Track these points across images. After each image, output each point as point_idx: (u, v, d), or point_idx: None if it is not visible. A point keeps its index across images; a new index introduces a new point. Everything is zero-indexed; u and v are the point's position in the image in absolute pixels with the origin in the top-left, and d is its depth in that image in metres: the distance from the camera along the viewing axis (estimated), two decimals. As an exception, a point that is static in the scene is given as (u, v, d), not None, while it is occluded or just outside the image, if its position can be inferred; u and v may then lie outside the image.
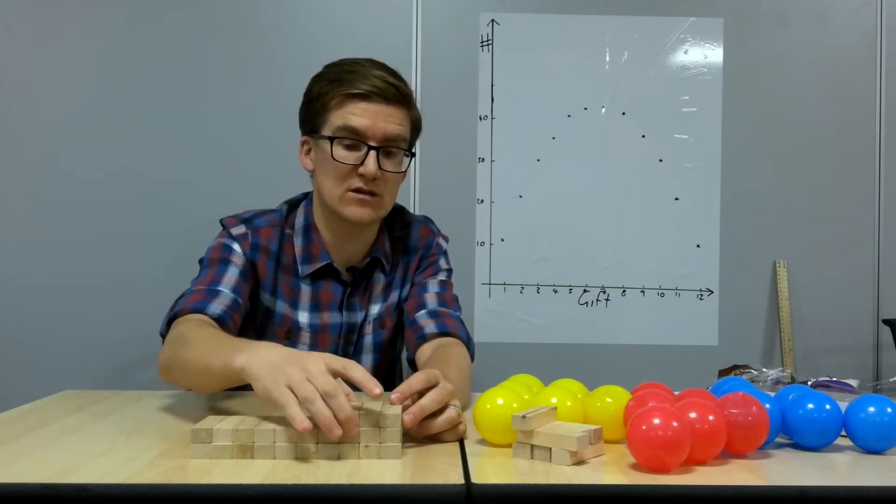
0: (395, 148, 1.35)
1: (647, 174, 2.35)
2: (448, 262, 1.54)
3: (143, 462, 0.86)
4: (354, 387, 0.92)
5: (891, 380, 1.34)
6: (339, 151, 1.33)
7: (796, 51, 2.36)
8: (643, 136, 2.35)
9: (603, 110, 2.35)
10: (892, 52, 2.37)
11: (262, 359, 0.95)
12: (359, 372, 0.92)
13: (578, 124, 2.34)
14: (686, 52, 2.35)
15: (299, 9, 2.28)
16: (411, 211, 2.29)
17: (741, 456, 0.92)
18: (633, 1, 2.35)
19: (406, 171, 1.41)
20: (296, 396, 0.88)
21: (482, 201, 2.33)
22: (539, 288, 2.33)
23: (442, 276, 1.50)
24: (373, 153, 1.32)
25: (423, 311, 1.42)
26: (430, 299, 1.45)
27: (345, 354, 1.43)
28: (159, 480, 0.78)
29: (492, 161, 2.33)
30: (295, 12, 2.28)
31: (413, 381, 0.97)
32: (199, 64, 2.27)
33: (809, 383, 1.30)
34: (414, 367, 1.40)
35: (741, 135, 2.36)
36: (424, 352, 1.37)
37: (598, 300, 2.34)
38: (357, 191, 1.34)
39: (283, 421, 0.89)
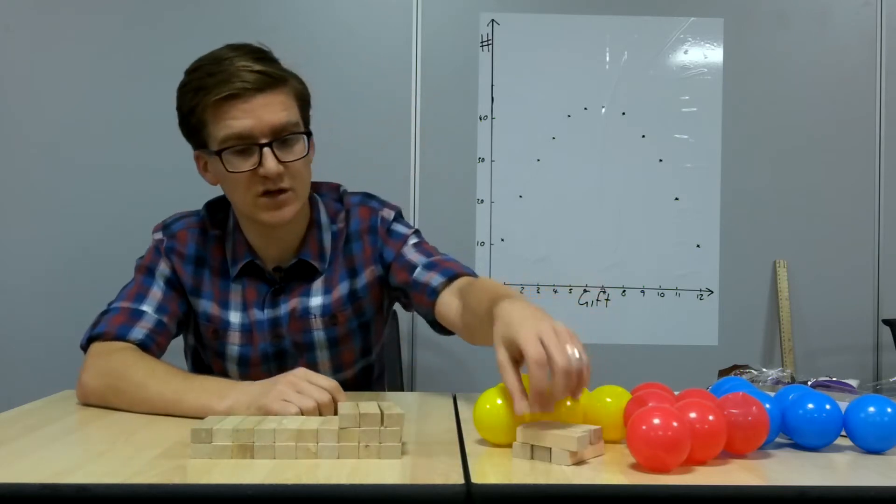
0: (289, 135, 1.26)
1: (647, 174, 2.35)
2: (407, 225, 1.43)
3: (143, 462, 0.86)
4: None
5: (891, 380, 1.34)
6: (233, 161, 1.24)
7: (796, 51, 2.36)
8: (643, 136, 2.35)
9: (603, 110, 2.35)
10: (892, 52, 2.37)
11: (248, 396, 1.07)
12: (323, 382, 1.07)
13: (578, 124, 2.34)
14: (686, 52, 2.35)
15: (299, 9, 2.28)
16: (411, 210, 2.32)
17: (741, 456, 0.92)
18: (633, 1, 2.35)
19: (311, 149, 1.32)
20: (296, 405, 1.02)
21: (482, 201, 2.33)
22: (539, 288, 2.33)
23: (413, 240, 1.40)
24: (267, 150, 1.23)
25: (418, 269, 1.34)
26: (415, 257, 1.37)
27: (277, 351, 1.39)
28: (159, 480, 0.78)
29: (492, 161, 2.33)
30: (295, 12, 2.28)
31: (539, 381, 0.89)
32: (199, 64, 2.27)
33: (809, 383, 1.30)
34: (437, 327, 1.34)
35: (741, 135, 2.36)
36: (448, 305, 1.27)
37: (598, 300, 2.34)
38: (266, 194, 1.26)
39: (284, 421, 0.89)
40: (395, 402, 0.96)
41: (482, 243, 2.33)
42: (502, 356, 0.95)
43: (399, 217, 1.45)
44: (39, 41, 2.25)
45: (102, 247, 2.25)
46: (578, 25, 2.34)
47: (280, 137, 1.25)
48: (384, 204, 1.45)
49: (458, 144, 2.32)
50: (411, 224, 1.47)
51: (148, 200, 2.25)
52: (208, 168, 1.33)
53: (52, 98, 2.25)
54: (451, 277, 1.30)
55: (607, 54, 2.35)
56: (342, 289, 1.40)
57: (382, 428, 0.89)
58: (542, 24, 2.33)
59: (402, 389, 1.70)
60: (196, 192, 2.23)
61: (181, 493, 0.77)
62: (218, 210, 1.43)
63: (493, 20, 2.33)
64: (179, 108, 1.29)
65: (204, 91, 1.23)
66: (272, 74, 1.25)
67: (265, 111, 1.23)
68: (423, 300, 1.32)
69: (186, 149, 2.09)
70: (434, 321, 1.34)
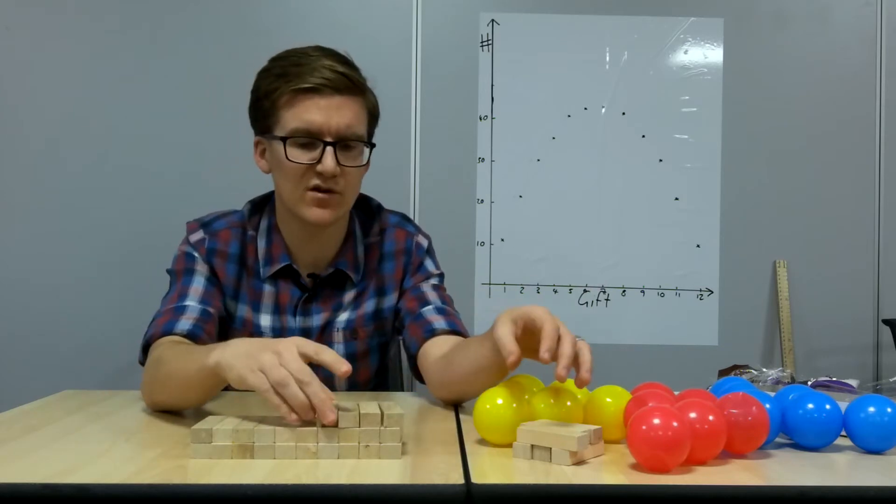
0: (353, 141, 1.29)
1: (647, 174, 2.35)
2: (436, 265, 1.47)
3: (143, 462, 0.86)
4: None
5: (891, 380, 1.34)
6: (294, 152, 1.27)
7: (796, 51, 2.36)
8: (643, 136, 2.35)
9: (603, 110, 2.35)
10: (892, 52, 2.37)
11: (234, 350, 0.97)
12: (329, 355, 0.93)
13: (578, 124, 2.34)
14: (686, 52, 2.35)
15: (298, 9, 2.28)
16: (411, 210, 2.32)
17: (741, 456, 0.92)
18: (633, 1, 2.35)
19: (368, 162, 1.35)
20: (269, 381, 0.90)
21: (482, 201, 2.33)
22: (539, 288, 2.33)
23: (434, 281, 1.44)
24: (329, 149, 1.26)
25: (429, 307, 1.36)
26: (432, 297, 1.39)
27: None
28: (159, 480, 0.78)
29: (492, 161, 2.33)
30: (294, 13, 2.28)
31: (566, 348, 0.95)
32: (199, 64, 2.27)
33: (809, 383, 1.30)
34: (413, 363, 1.35)
35: (741, 135, 2.36)
36: (436, 348, 1.29)
37: (598, 300, 2.34)
38: (316, 189, 1.28)
39: (283, 421, 0.89)
40: (395, 402, 0.96)
41: (482, 243, 2.33)
42: (505, 327, 0.98)
43: (430, 249, 1.47)
44: (39, 41, 2.25)
45: (102, 246, 2.25)
46: (578, 25, 2.34)
47: (344, 141, 1.28)
48: (419, 230, 1.48)
49: (458, 144, 2.32)
50: (438, 264, 1.49)
51: (148, 200, 2.26)
52: (265, 155, 1.35)
53: (52, 98, 2.25)
54: (454, 331, 1.33)
55: (607, 54, 2.35)
56: (369, 306, 1.41)
57: (382, 428, 0.88)
58: (542, 24, 2.34)
59: (402, 389, 1.70)
60: (196, 192, 2.24)
61: (181, 493, 0.77)
62: (256, 210, 1.43)
63: (493, 20, 2.33)
64: (255, 91, 1.33)
65: (285, 78, 1.26)
66: (353, 80, 1.28)
67: (338, 112, 1.26)
68: (418, 333, 1.34)
69: (186, 149, 2.09)
70: (414, 357, 1.35)
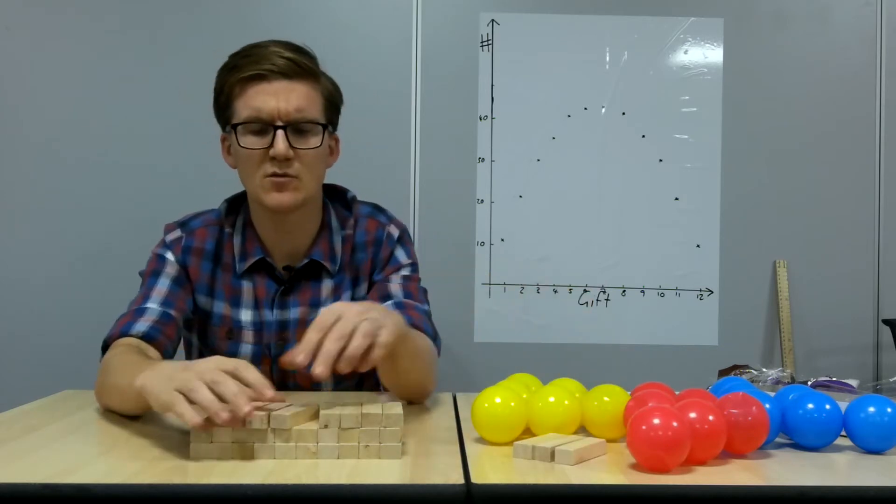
0: (306, 123, 1.30)
1: (647, 174, 2.35)
2: (409, 255, 1.45)
3: (143, 462, 0.86)
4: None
5: (891, 380, 1.34)
6: (247, 139, 1.29)
7: (796, 51, 2.36)
8: (643, 136, 2.35)
9: (603, 110, 2.35)
10: (892, 52, 2.37)
11: (156, 374, 0.95)
12: (251, 373, 0.91)
13: (578, 124, 2.34)
14: (686, 52, 2.35)
15: (298, 9, 2.28)
16: (411, 210, 2.32)
17: (741, 456, 0.92)
18: (633, 1, 2.35)
19: (332, 151, 1.37)
20: (182, 395, 0.88)
21: (482, 201, 2.33)
22: (539, 288, 2.33)
23: (405, 272, 1.42)
24: (280, 133, 1.27)
25: (388, 303, 1.35)
26: (395, 289, 1.38)
27: (280, 353, 1.36)
28: (159, 480, 0.78)
29: (492, 161, 2.33)
30: (294, 13, 2.28)
31: (309, 336, 0.95)
32: (199, 64, 2.27)
33: (809, 383, 1.30)
34: None
35: (741, 135, 2.36)
36: None
37: (598, 300, 2.34)
38: (272, 175, 1.29)
39: (284, 421, 0.89)
40: (395, 402, 0.96)
41: (482, 243, 2.33)
42: (318, 320, 0.98)
43: (403, 238, 1.46)
44: (39, 41, 2.25)
45: (102, 246, 2.25)
46: (578, 25, 2.34)
47: (296, 124, 1.29)
48: (391, 219, 1.47)
49: (458, 144, 2.32)
50: (412, 253, 1.47)
51: (147, 200, 2.26)
52: (230, 151, 1.37)
53: (52, 98, 2.25)
54: (410, 325, 1.31)
55: (607, 54, 2.35)
56: (346, 297, 1.42)
57: (382, 428, 0.89)
58: (542, 24, 2.33)
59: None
60: (195, 192, 2.24)
61: (181, 493, 0.77)
62: (232, 207, 1.44)
63: (493, 20, 2.33)
64: (214, 88, 1.36)
65: (236, 69, 1.30)
66: (301, 64, 1.30)
67: (286, 96, 1.28)
68: None
69: (186, 149, 2.10)
70: None
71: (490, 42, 2.32)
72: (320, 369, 0.92)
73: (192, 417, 0.86)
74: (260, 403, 0.90)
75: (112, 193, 2.25)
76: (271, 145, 1.28)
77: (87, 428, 1.06)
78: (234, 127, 1.30)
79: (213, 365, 0.91)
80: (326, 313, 0.98)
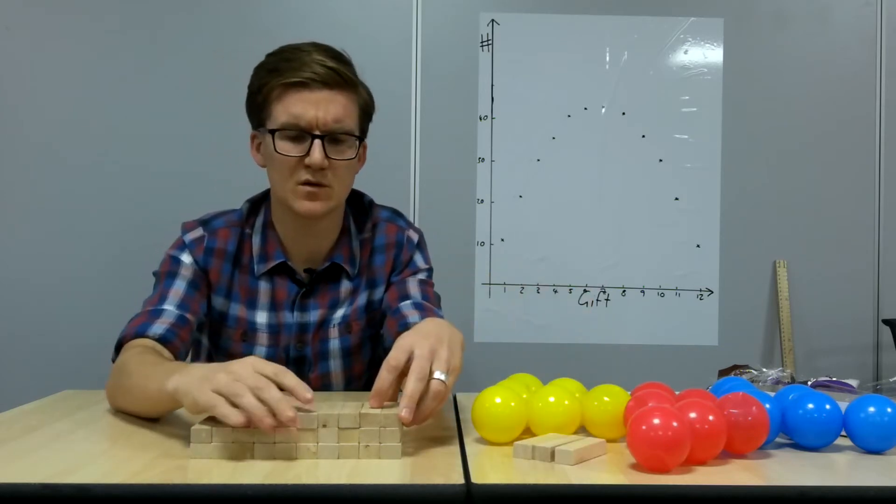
0: (342, 135, 1.31)
1: (647, 174, 2.35)
2: (426, 260, 1.48)
3: (143, 462, 0.86)
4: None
5: (891, 380, 1.34)
6: (283, 144, 1.29)
7: (796, 51, 2.36)
8: (643, 136, 2.35)
9: (603, 110, 2.35)
10: (892, 52, 2.37)
11: (191, 376, 0.95)
12: (290, 378, 0.91)
13: (578, 124, 2.34)
14: (686, 52, 2.35)
15: (298, 9, 2.28)
16: (411, 210, 2.32)
17: (741, 456, 0.92)
18: (633, 1, 2.35)
19: (360, 158, 1.37)
20: (224, 397, 0.88)
21: (482, 201, 2.33)
22: (539, 288, 2.33)
23: (422, 276, 1.45)
24: (317, 142, 1.27)
25: (407, 302, 1.37)
26: (413, 290, 1.40)
27: (298, 357, 1.40)
28: (159, 480, 0.78)
29: (492, 161, 2.33)
30: (294, 13, 2.28)
31: (382, 380, 0.95)
32: (199, 64, 2.27)
33: (809, 383, 1.30)
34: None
35: (741, 135, 2.36)
36: None
37: (598, 300, 2.34)
38: (305, 183, 1.29)
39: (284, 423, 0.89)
40: (395, 402, 0.96)
41: (482, 243, 2.33)
42: (391, 358, 0.97)
43: (421, 243, 1.49)
44: (39, 41, 2.25)
45: (102, 246, 2.25)
46: (578, 25, 2.34)
47: (333, 134, 1.29)
48: (410, 224, 1.50)
49: (458, 144, 2.32)
50: (429, 259, 1.50)
51: (147, 200, 2.26)
52: (260, 149, 1.37)
53: (52, 98, 2.25)
54: None
55: (607, 54, 2.35)
56: (361, 299, 1.43)
57: (382, 428, 0.89)
58: (542, 24, 2.33)
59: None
60: (195, 192, 2.24)
61: (181, 493, 0.77)
62: (253, 208, 1.44)
63: (493, 20, 2.33)
64: (250, 86, 1.35)
65: (276, 73, 1.29)
66: (342, 75, 1.30)
67: (326, 106, 1.28)
68: (394, 328, 1.34)
69: (186, 149, 2.10)
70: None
71: (490, 42, 2.32)
72: (405, 413, 0.91)
73: (237, 418, 0.87)
74: (299, 404, 0.90)
75: (112, 193, 2.25)
76: (307, 153, 1.28)
77: (87, 428, 1.05)
78: (273, 132, 1.29)
79: (252, 369, 0.91)
80: (398, 351, 0.97)
